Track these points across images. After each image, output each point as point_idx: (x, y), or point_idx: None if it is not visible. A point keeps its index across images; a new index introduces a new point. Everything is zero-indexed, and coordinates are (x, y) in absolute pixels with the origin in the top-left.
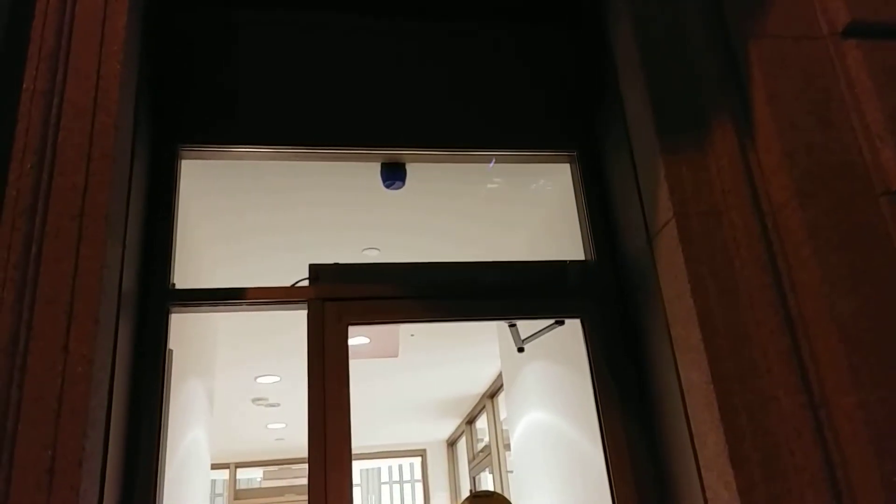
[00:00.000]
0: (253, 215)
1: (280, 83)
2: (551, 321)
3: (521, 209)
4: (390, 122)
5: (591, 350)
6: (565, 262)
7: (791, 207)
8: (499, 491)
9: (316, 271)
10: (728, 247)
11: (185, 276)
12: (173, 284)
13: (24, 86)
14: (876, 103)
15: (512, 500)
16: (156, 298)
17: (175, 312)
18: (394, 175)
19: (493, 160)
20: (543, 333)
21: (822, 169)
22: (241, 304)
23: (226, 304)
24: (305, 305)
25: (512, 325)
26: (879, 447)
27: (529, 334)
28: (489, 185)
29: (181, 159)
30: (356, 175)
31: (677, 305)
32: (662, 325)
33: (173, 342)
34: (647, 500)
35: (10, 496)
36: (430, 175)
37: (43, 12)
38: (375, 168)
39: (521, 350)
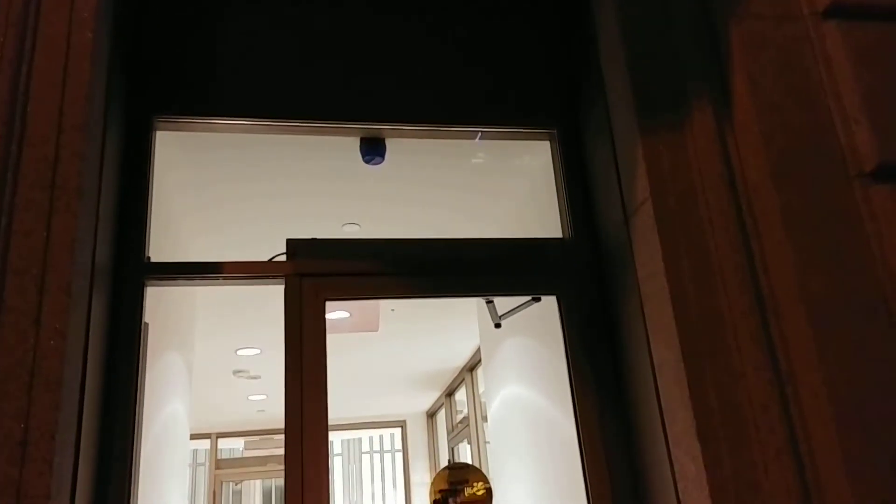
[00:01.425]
0: (231, 189)
1: (258, 55)
2: (528, 298)
3: (503, 184)
4: (369, 96)
5: (567, 327)
6: (543, 239)
7: (766, 188)
8: (476, 460)
9: (293, 246)
10: (703, 227)
11: (161, 248)
12: (148, 258)
13: None
14: (852, 85)
15: (489, 470)
16: (131, 272)
17: (150, 286)
18: (373, 150)
19: (480, 134)
20: (520, 310)
21: (798, 150)
22: (217, 278)
23: (202, 278)
24: (283, 281)
25: (489, 302)
26: (843, 423)
27: (506, 310)
28: (473, 160)
29: (156, 130)
30: (336, 150)
31: (651, 284)
32: (637, 304)
33: (150, 315)
34: (617, 474)
35: None
36: (410, 150)
37: None
38: (355, 143)
39: (497, 326)
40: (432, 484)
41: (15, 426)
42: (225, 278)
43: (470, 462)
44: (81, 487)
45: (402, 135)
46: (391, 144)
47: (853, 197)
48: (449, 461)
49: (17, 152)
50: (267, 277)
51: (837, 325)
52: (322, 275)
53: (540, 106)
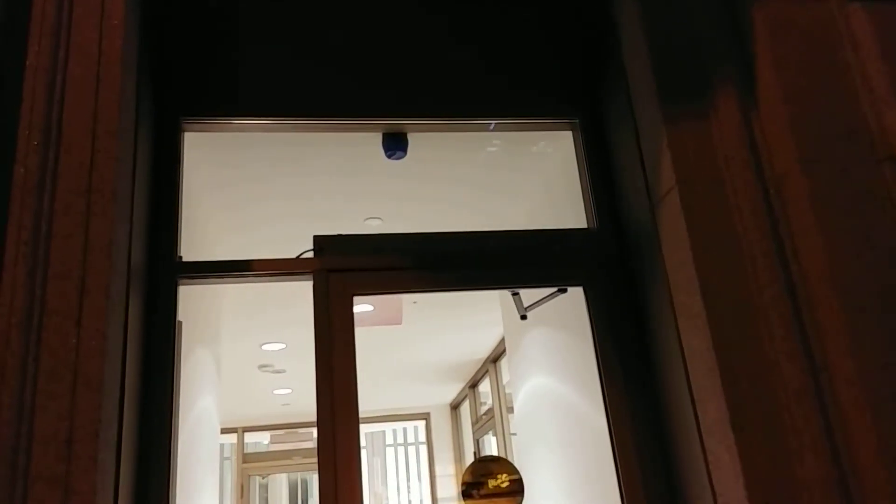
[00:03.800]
0: (256, 186)
1: (281, 54)
2: (554, 289)
3: (525, 173)
4: (391, 91)
5: (594, 318)
6: (568, 230)
7: (794, 174)
8: (501, 452)
9: (320, 243)
10: (731, 214)
11: (189, 247)
12: (180, 257)
13: (28, 62)
14: (880, 67)
15: (516, 462)
16: (164, 272)
17: (183, 285)
18: (395, 145)
19: (493, 125)
20: (546, 301)
21: (826, 134)
22: (247, 275)
23: (232, 276)
24: (311, 277)
25: (515, 294)
26: (878, 411)
27: (532, 302)
28: (489, 149)
29: (184, 132)
30: (358, 145)
31: (680, 273)
32: (665, 293)
33: (182, 313)
34: (649, 464)
35: (31, 466)
36: (431, 143)
37: None
38: (377, 138)
39: (524, 318)
40: (462, 477)
41: (61, 425)
42: (255, 276)
43: (496, 453)
44: (123, 483)
45: (424, 129)
46: (413, 136)
47: (883, 180)
48: (474, 453)
49: (55, 158)
50: (295, 274)
51: (870, 310)
52: (349, 270)
53: (561, 96)
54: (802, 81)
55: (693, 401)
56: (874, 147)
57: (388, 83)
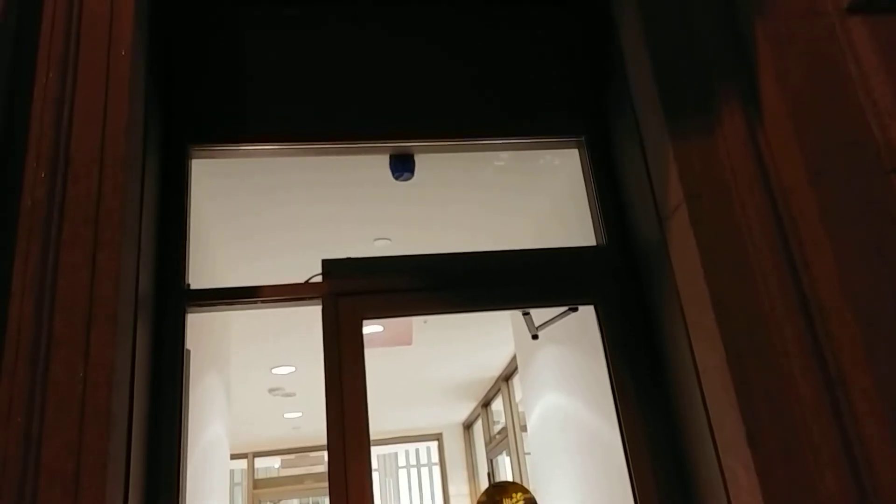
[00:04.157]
0: (263, 210)
1: (287, 79)
2: (565, 308)
3: (532, 192)
4: (398, 113)
5: (606, 335)
6: (577, 248)
7: (802, 187)
8: (516, 472)
9: (328, 267)
10: (740, 228)
11: (200, 275)
12: (188, 285)
13: (35, 94)
14: (883, 79)
15: (530, 481)
16: (172, 299)
17: (191, 312)
18: (403, 166)
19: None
20: (557, 320)
21: (832, 147)
22: (255, 302)
23: (241, 303)
24: (319, 301)
25: (526, 314)
26: None
27: (543, 321)
28: (497, 163)
29: (192, 159)
30: (365, 167)
31: (690, 288)
32: (676, 309)
33: (190, 339)
34: (666, 482)
35: (39, 502)
36: (438, 163)
37: (50, 18)
38: (384, 159)
39: (535, 337)
40: (478, 498)
41: (68, 459)
42: (263, 302)
43: (510, 473)
44: None
45: (431, 150)
46: (420, 157)
47: (892, 192)
48: (488, 474)
49: (62, 188)
50: (304, 299)
51: (884, 322)
52: (357, 293)
53: (567, 114)
54: (806, 95)
55: (709, 418)
56: (881, 159)
57: (395, 105)
